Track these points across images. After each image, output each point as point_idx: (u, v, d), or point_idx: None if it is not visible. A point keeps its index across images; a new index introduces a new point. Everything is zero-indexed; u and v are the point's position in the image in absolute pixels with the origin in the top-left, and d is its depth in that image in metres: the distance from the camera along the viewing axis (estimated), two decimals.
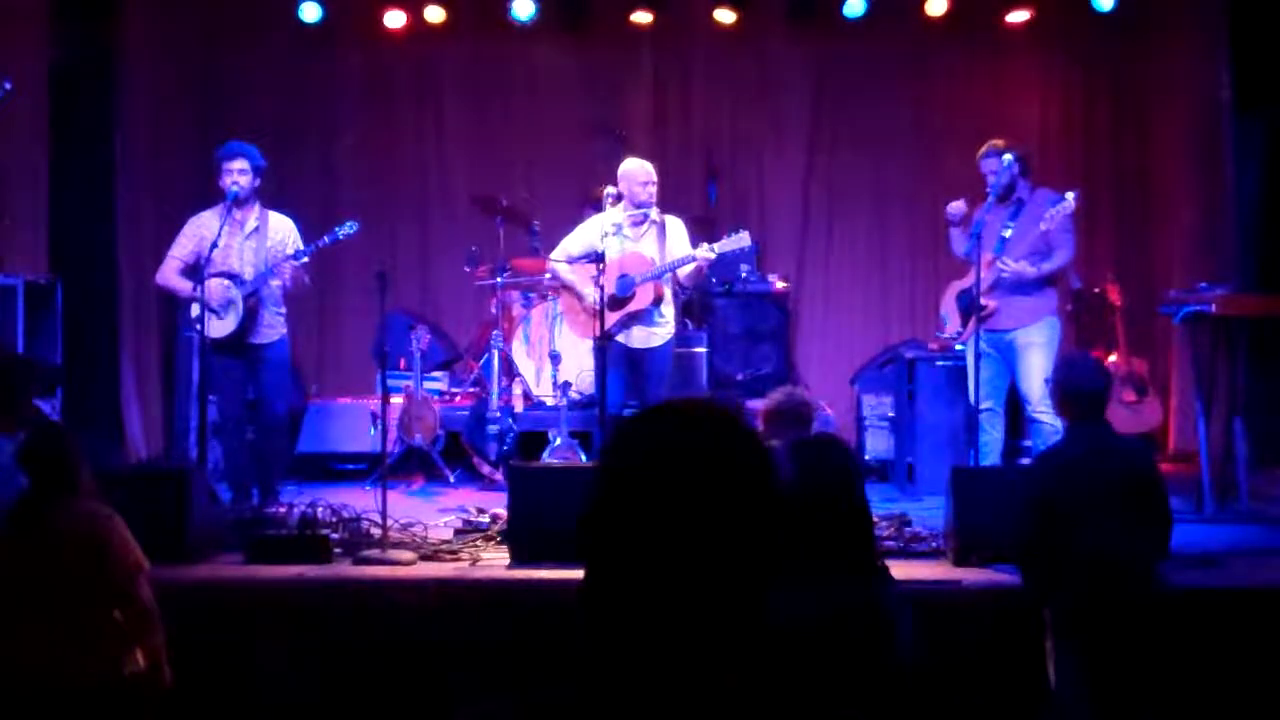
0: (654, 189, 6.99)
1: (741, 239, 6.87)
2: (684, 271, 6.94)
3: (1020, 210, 6.73)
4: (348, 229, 6.84)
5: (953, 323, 6.99)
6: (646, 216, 7.01)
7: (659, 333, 7.00)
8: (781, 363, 9.13)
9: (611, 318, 6.85)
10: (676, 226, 7.05)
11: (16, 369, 5.25)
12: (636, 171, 7.00)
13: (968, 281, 6.79)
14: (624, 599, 1.37)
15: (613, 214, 7.06)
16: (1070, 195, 6.56)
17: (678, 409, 1.45)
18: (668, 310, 7.03)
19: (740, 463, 1.40)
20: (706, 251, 6.81)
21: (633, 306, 6.88)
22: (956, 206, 6.87)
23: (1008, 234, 6.68)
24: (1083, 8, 9.06)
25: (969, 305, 6.72)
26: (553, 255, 7.26)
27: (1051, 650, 4.34)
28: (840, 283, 9.93)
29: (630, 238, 6.98)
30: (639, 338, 6.95)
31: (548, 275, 7.81)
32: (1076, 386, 4.45)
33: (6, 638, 3.84)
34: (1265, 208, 8.26)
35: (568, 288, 7.19)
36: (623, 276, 6.88)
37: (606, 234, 6.95)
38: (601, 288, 6.72)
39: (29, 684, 3.80)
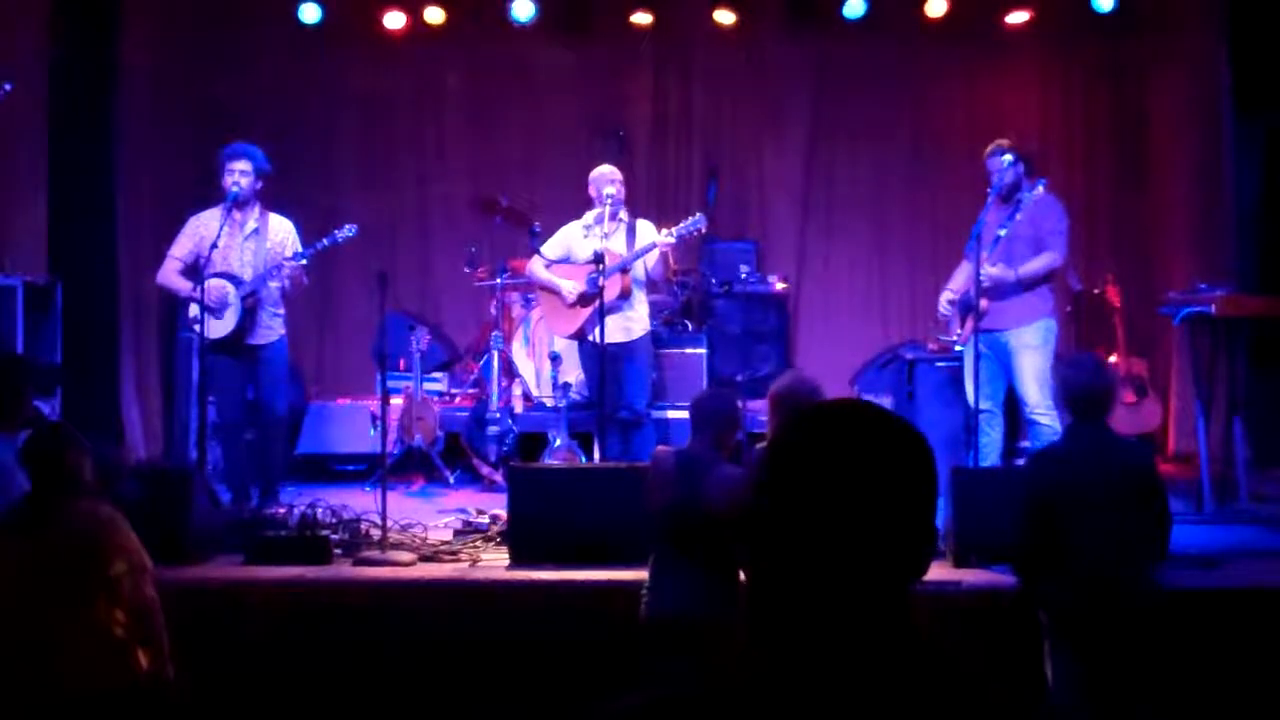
0: (619, 188, 7.12)
1: (698, 220, 6.98)
2: (650, 260, 7.03)
3: (1017, 211, 6.73)
4: (347, 232, 6.85)
5: (955, 326, 6.98)
6: (616, 215, 7.12)
7: (634, 327, 7.09)
8: (781, 363, 9.13)
9: (584, 314, 7.00)
10: (645, 226, 7.21)
11: (14, 368, 5.24)
12: (605, 174, 7.20)
13: (963, 286, 6.81)
14: (795, 595, 1.40)
15: (585, 217, 7.21)
16: (1040, 185, 6.59)
17: (841, 410, 1.48)
18: (640, 306, 7.13)
19: (907, 459, 1.43)
20: (666, 236, 6.92)
21: (603, 300, 6.90)
22: (946, 306, 6.95)
23: (1003, 233, 6.68)
24: (1083, 8, 9.05)
25: (966, 305, 6.73)
26: (531, 261, 7.41)
27: (1049, 651, 4.34)
28: (840, 283, 9.93)
29: (600, 236, 7.04)
30: (616, 331, 6.98)
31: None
32: (1080, 387, 4.43)
33: (10, 640, 3.83)
34: (1265, 208, 8.27)
35: (545, 288, 7.32)
36: (592, 274, 6.93)
37: (574, 237, 7.14)
38: (603, 288, 6.76)
39: (34, 686, 3.78)
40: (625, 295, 7.02)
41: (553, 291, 7.25)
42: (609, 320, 6.89)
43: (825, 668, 1.37)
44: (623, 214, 7.18)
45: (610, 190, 7.09)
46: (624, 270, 6.98)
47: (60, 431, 4.22)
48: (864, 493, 1.39)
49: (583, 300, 7.03)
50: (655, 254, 7.00)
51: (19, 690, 3.79)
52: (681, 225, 6.95)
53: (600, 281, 6.76)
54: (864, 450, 1.41)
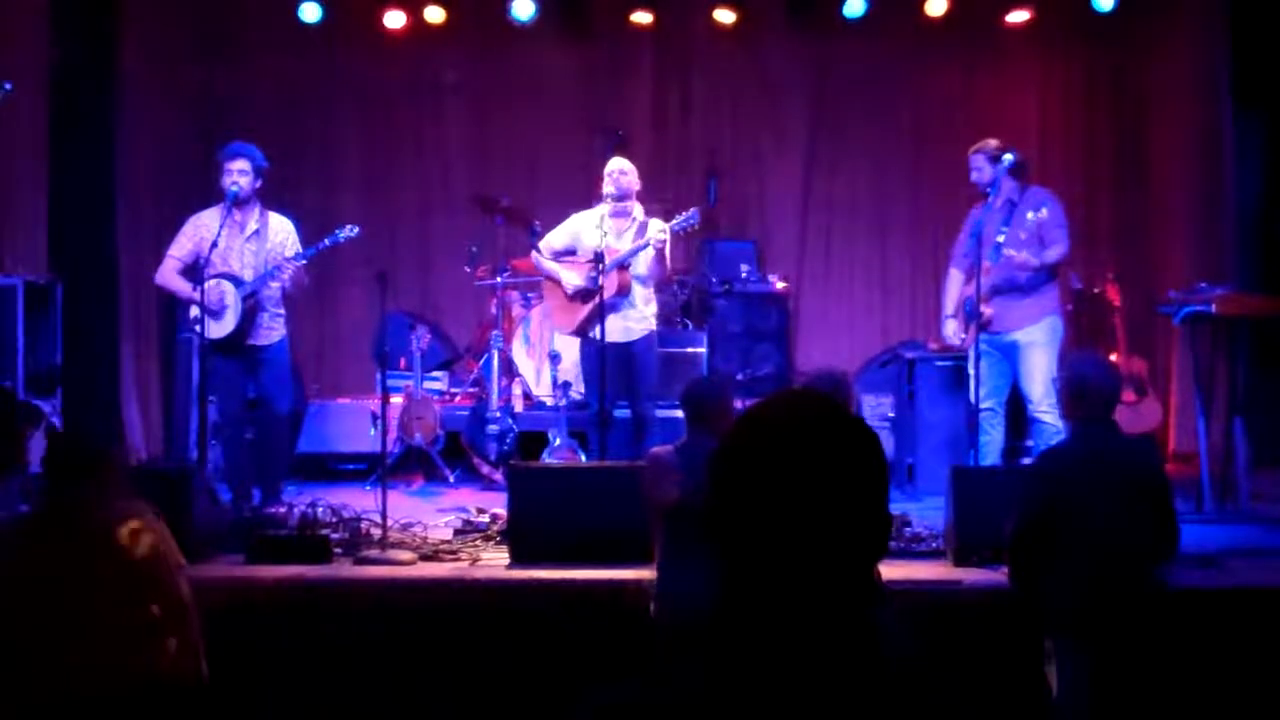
0: (623, 179, 6.97)
1: (690, 215, 6.91)
2: (644, 259, 6.91)
3: (1012, 213, 6.74)
4: (348, 232, 6.85)
5: (957, 330, 6.98)
6: (628, 212, 7.02)
7: (635, 326, 6.99)
8: (782, 362, 9.13)
9: (584, 309, 6.93)
10: (656, 227, 7.05)
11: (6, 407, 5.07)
12: (608, 169, 7.06)
13: (961, 296, 6.82)
14: (756, 587, 1.42)
15: (598, 211, 7.08)
16: (1045, 207, 6.64)
17: (784, 404, 1.50)
18: (642, 304, 7.01)
19: (855, 451, 1.45)
20: (659, 232, 6.82)
21: (603, 297, 6.85)
22: (953, 333, 6.96)
23: (1001, 239, 6.68)
24: (1083, 8, 9.06)
25: (970, 310, 6.73)
26: (536, 249, 7.31)
27: (1051, 651, 4.33)
28: (840, 283, 9.94)
29: (610, 233, 6.94)
30: (616, 331, 6.92)
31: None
32: (1087, 385, 4.42)
33: (45, 638, 3.80)
34: (1266, 207, 8.27)
35: (549, 278, 7.21)
36: (593, 272, 6.89)
37: (584, 228, 7.01)
38: (601, 286, 6.73)
39: (68, 683, 3.74)
40: (624, 292, 6.90)
41: (555, 281, 7.16)
42: (609, 319, 6.87)
43: (791, 658, 1.38)
44: (636, 211, 7.05)
45: (609, 188, 6.96)
46: (622, 266, 6.89)
47: (87, 431, 4.18)
48: (814, 484, 1.41)
49: (582, 295, 6.94)
50: (650, 252, 6.89)
51: (53, 689, 3.75)
52: (676, 220, 6.90)
53: (600, 280, 6.72)
54: (810, 442, 1.43)
